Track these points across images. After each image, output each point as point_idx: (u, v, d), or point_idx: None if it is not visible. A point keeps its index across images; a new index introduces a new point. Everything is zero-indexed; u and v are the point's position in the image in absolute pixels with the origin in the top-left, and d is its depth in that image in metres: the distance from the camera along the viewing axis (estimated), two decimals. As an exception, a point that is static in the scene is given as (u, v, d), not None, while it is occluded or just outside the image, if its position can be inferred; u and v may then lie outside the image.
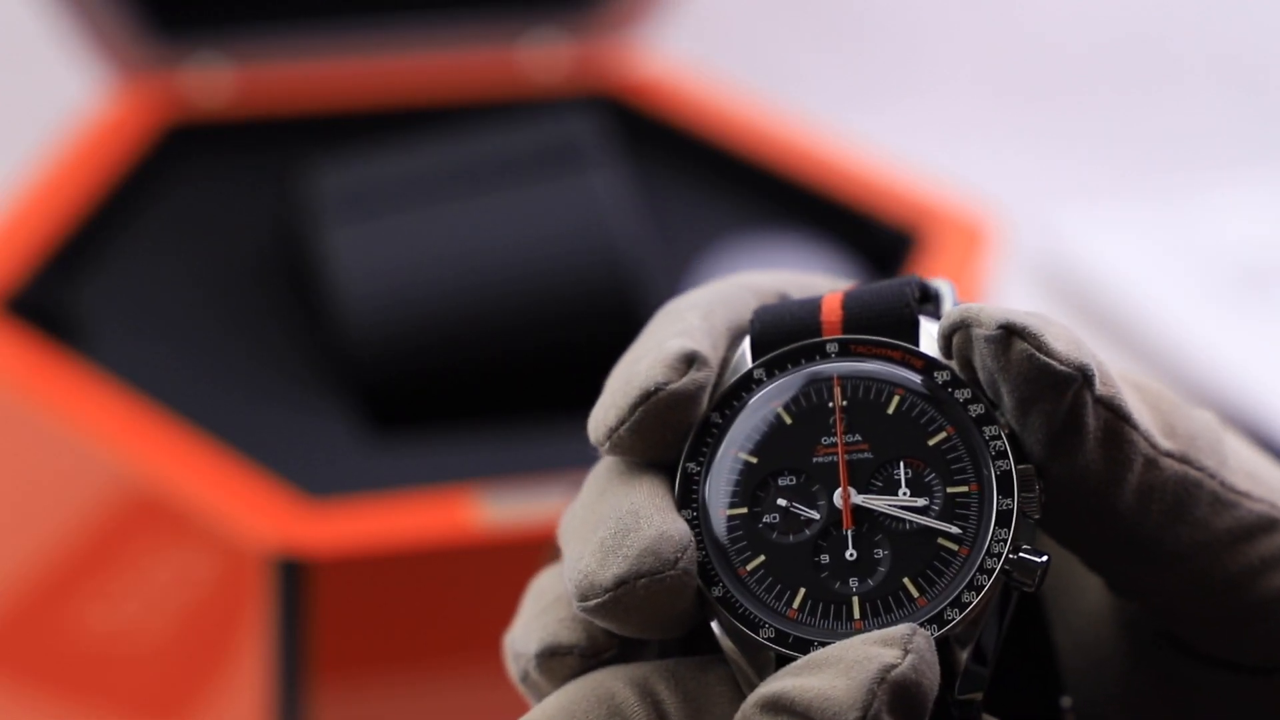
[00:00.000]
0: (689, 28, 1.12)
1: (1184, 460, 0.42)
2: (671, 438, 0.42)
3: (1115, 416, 0.41)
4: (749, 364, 0.43)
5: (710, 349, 0.43)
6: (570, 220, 0.86)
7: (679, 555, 0.41)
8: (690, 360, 0.42)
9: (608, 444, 0.42)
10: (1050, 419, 0.40)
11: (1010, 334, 0.40)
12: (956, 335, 0.41)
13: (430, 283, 0.84)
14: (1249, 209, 1.18)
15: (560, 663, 0.42)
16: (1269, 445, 1.04)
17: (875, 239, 0.90)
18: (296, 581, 0.74)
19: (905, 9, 1.26)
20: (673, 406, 0.42)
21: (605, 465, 0.43)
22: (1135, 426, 0.41)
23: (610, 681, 0.42)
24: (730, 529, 0.42)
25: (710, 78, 0.98)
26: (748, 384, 0.43)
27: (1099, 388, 0.41)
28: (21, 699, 0.83)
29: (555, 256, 0.85)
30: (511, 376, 0.84)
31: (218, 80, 0.93)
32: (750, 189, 0.94)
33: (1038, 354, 0.40)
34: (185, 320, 0.86)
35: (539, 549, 0.76)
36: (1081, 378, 0.40)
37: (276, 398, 0.82)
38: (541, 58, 0.96)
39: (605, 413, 0.42)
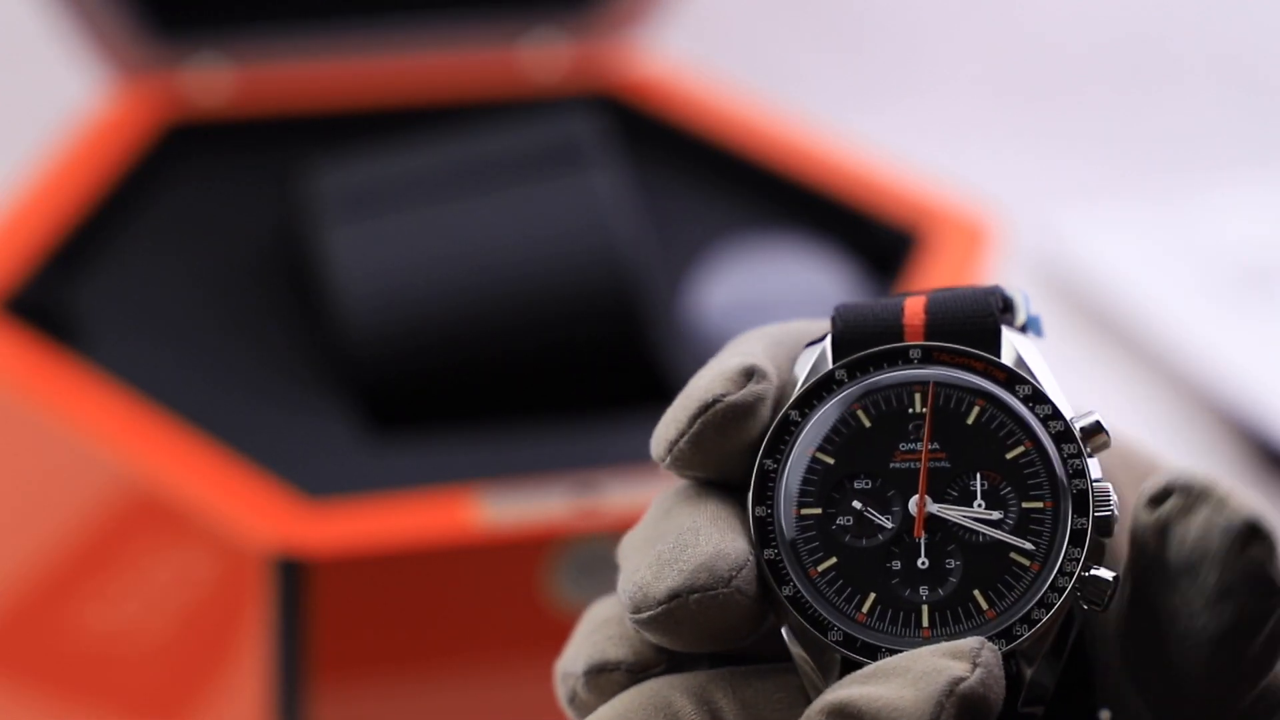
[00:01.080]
0: (689, 28, 1.12)
1: None
2: (731, 451, 0.42)
3: None
4: (829, 362, 0.43)
5: (769, 365, 0.43)
6: (570, 220, 0.86)
7: (734, 573, 0.41)
8: (749, 374, 0.42)
9: (668, 458, 0.42)
10: (1241, 614, 0.40)
11: (1254, 533, 0.40)
12: (1176, 498, 0.41)
13: (430, 283, 0.84)
14: (1249, 209, 1.18)
15: (608, 679, 0.42)
16: (1269, 445, 1.04)
17: (875, 239, 0.90)
18: (296, 581, 0.74)
19: (905, 9, 1.26)
20: (731, 418, 0.42)
21: (672, 489, 0.43)
22: None
23: (666, 690, 0.42)
24: (803, 528, 0.42)
25: (710, 78, 0.98)
26: (829, 384, 0.42)
27: None
28: (21, 699, 0.83)
29: (555, 256, 0.85)
30: (511, 376, 0.84)
31: (217, 80, 0.93)
32: (750, 189, 0.94)
33: (1268, 563, 0.40)
34: (185, 320, 0.86)
35: (538, 549, 0.76)
36: None
37: (276, 398, 0.82)
38: (541, 58, 0.96)
39: (665, 428, 0.43)
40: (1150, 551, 0.41)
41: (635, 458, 0.79)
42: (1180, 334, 1.09)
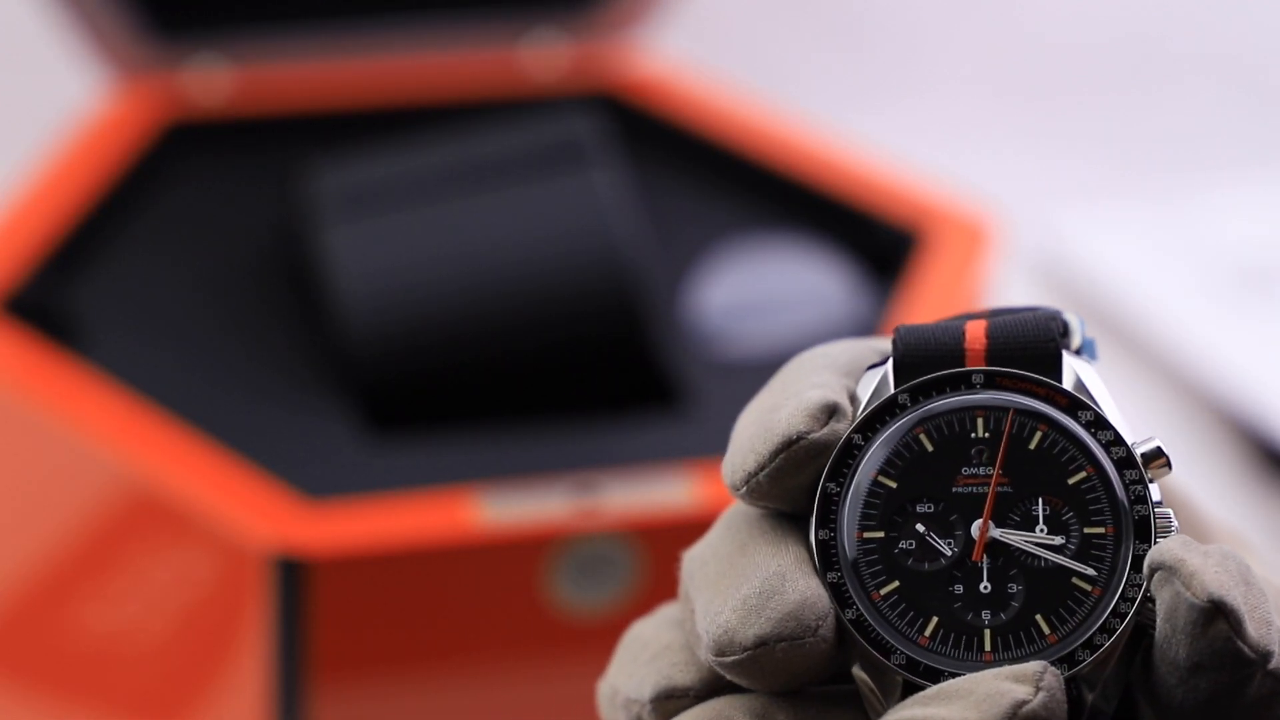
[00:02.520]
0: (689, 28, 1.12)
1: None
2: (805, 485, 0.42)
3: (1275, 689, 0.41)
4: (891, 386, 0.43)
5: (846, 400, 0.43)
6: (570, 220, 0.86)
7: (820, 623, 0.41)
8: (831, 411, 0.42)
9: (745, 489, 0.43)
10: (1217, 685, 0.41)
11: (1217, 612, 0.40)
12: (1158, 574, 0.41)
13: (430, 283, 0.84)
14: (1249, 209, 1.18)
15: (676, 705, 0.43)
16: (1269, 445, 1.04)
17: (875, 239, 0.90)
18: (296, 581, 0.74)
19: (905, 9, 1.26)
20: (812, 456, 0.42)
21: (741, 517, 0.44)
22: None
23: (729, 709, 0.42)
24: (865, 552, 0.42)
25: (710, 78, 0.98)
26: (891, 408, 0.43)
27: (1275, 662, 0.41)
28: (21, 699, 0.83)
29: (555, 256, 0.85)
30: (511, 376, 0.84)
31: (217, 80, 0.93)
32: (750, 189, 0.94)
33: (1234, 637, 0.40)
34: (185, 320, 0.86)
35: (538, 549, 0.76)
36: (1264, 660, 0.41)
37: (276, 398, 0.82)
38: (541, 58, 0.96)
39: (744, 458, 0.43)
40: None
41: (635, 458, 0.79)
42: (1180, 334, 1.09)
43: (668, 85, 0.96)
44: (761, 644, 0.41)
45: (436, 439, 0.81)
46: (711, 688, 0.43)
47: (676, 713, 0.43)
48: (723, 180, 0.94)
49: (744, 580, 0.42)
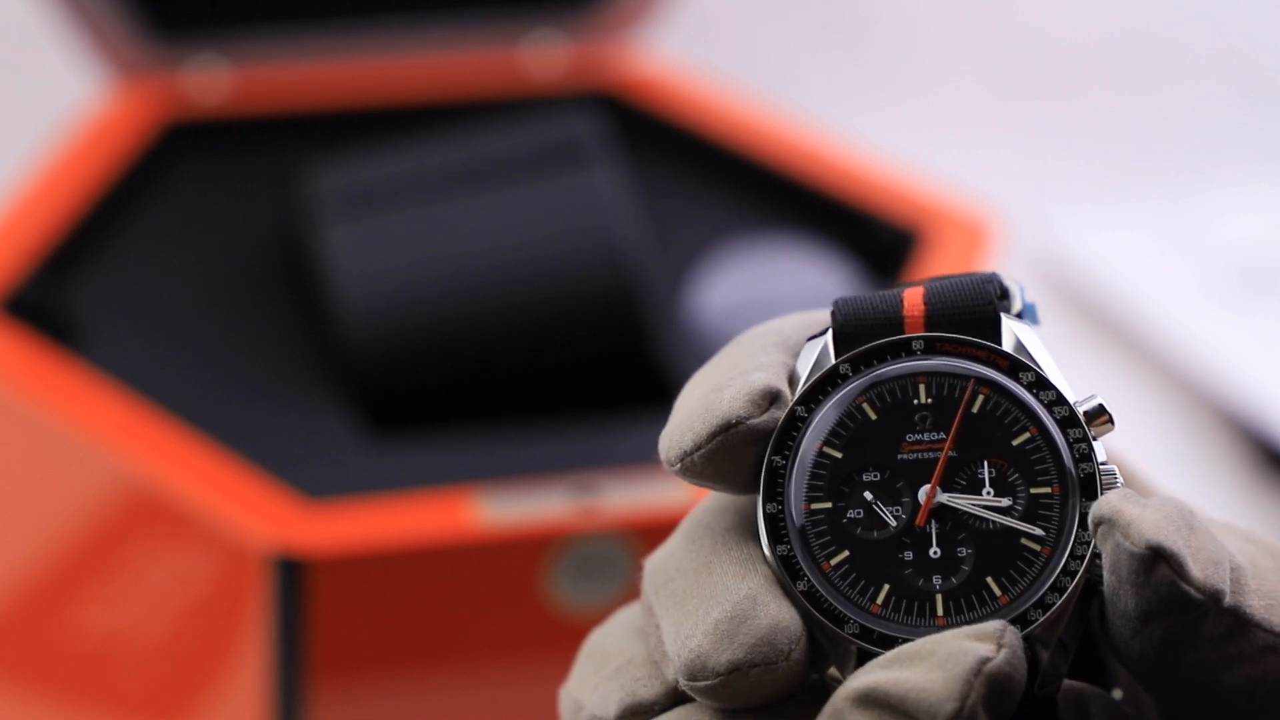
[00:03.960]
0: (689, 28, 1.12)
1: None
2: (740, 470, 0.42)
3: (1238, 621, 0.41)
4: (831, 357, 0.43)
5: (787, 386, 0.43)
6: (570, 220, 0.86)
7: (793, 647, 0.41)
8: (773, 398, 0.42)
9: (679, 465, 0.42)
10: (1170, 631, 0.41)
11: (1157, 557, 0.40)
12: (1101, 528, 0.41)
13: (430, 283, 0.84)
14: (1249, 209, 1.18)
15: (642, 719, 0.43)
16: (1269, 445, 1.04)
17: (876, 239, 0.90)
18: (296, 581, 0.74)
19: (905, 9, 1.26)
20: (749, 442, 0.42)
21: (704, 528, 0.43)
22: (1259, 625, 0.41)
23: (697, 716, 0.42)
24: (814, 523, 0.42)
25: (710, 78, 0.98)
26: (833, 379, 0.43)
27: (1226, 600, 0.41)
28: (21, 699, 0.83)
29: (555, 256, 0.85)
30: (511, 376, 0.84)
31: (217, 80, 0.93)
32: (750, 189, 0.94)
33: (1178, 580, 0.40)
34: (184, 320, 0.86)
35: (538, 549, 0.76)
36: (1214, 600, 0.41)
37: (276, 398, 0.82)
38: (541, 58, 0.96)
39: (681, 436, 0.43)
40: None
41: (635, 458, 0.79)
42: (1180, 334, 1.09)
43: (668, 85, 0.96)
44: (734, 670, 0.41)
45: (436, 439, 0.81)
46: (676, 700, 0.43)
47: None
48: (723, 180, 0.94)
49: (714, 603, 0.42)
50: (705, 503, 0.45)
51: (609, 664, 0.44)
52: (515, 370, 0.84)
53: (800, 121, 0.96)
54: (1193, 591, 0.40)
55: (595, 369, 0.84)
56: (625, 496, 0.77)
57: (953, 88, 1.24)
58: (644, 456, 0.79)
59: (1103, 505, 0.41)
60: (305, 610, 0.74)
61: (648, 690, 0.43)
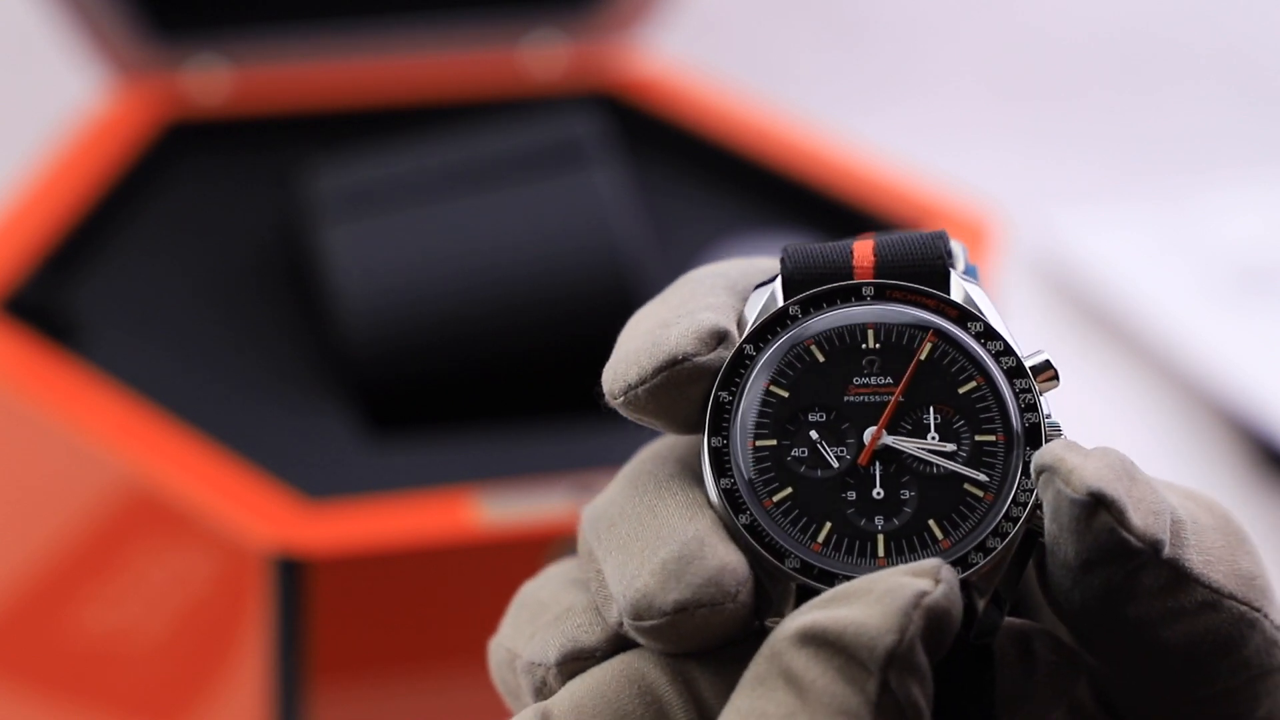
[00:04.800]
0: (689, 28, 1.12)
1: (1244, 601, 0.42)
2: (683, 407, 0.42)
3: (1176, 574, 0.41)
4: (779, 303, 0.43)
5: (734, 327, 0.43)
6: (571, 220, 0.86)
7: (739, 588, 0.41)
8: (721, 338, 0.42)
9: (622, 399, 0.43)
10: (1110, 580, 0.41)
11: (1098, 504, 0.40)
12: (1043, 476, 0.41)
13: (430, 282, 0.84)
14: (1249, 209, 1.18)
15: (582, 665, 0.43)
16: (1269, 445, 1.04)
17: (875, 239, 0.90)
18: (296, 581, 0.74)
19: (905, 9, 1.26)
20: (694, 379, 0.42)
21: (648, 475, 0.43)
22: (1198, 580, 0.42)
23: (638, 662, 0.42)
24: (759, 460, 0.42)
25: (710, 78, 0.98)
26: (782, 319, 0.43)
27: (1165, 551, 0.41)
28: (21, 699, 0.83)
29: (555, 256, 0.85)
30: (511, 376, 0.84)
31: (217, 80, 0.93)
32: (750, 189, 0.94)
33: (1118, 528, 0.40)
34: (184, 320, 0.86)
35: (538, 549, 0.76)
36: (1153, 549, 0.41)
37: (276, 398, 0.82)
38: (541, 58, 0.96)
39: (626, 368, 0.43)
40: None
41: (635, 458, 0.79)
42: (1180, 334, 1.09)
43: (668, 85, 0.96)
44: (681, 609, 0.41)
45: (436, 439, 0.81)
46: (618, 648, 0.42)
47: (582, 673, 0.42)
48: (723, 180, 0.94)
49: (660, 544, 0.41)
50: (646, 451, 0.45)
51: (545, 614, 0.44)
52: (515, 370, 0.84)
53: (800, 121, 0.96)
54: (1132, 539, 0.40)
55: (595, 369, 0.84)
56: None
57: (953, 88, 1.24)
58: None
59: (1045, 453, 0.41)
60: (305, 610, 0.74)
61: (589, 636, 0.43)
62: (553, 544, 0.76)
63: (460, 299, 0.84)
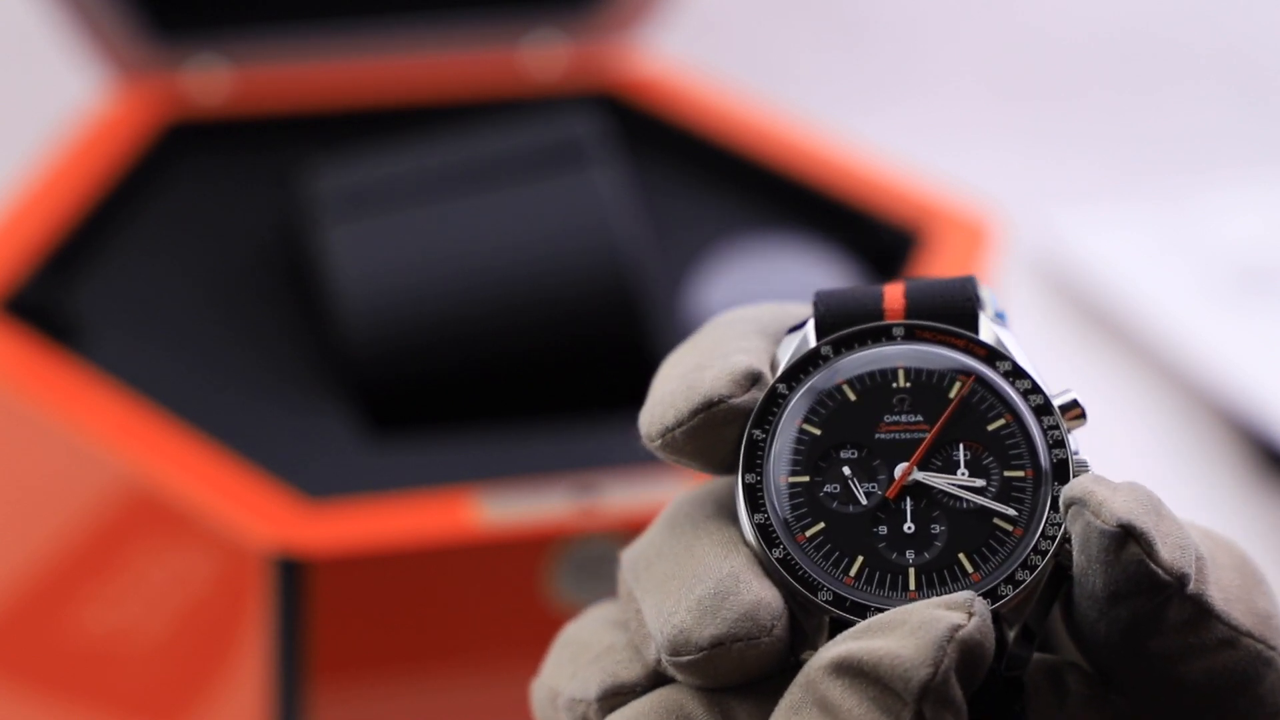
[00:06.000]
0: (689, 28, 1.12)
1: (1261, 640, 0.43)
2: (719, 448, 0.43)
3: (1199, 610, 0.42)
4: (812, 343, 0.44)
5: (768, 369, 0.44)
6: (571, 220, 0.86)
7: (775, 623, 0.42)
8: (754, 379, 0.43)
9: (660, 441, 0.44)
10: (1136, 612, 0.41)
11: (1128, 535, 0.41)
12: (1072, 508, 0.42)
13: (430, 283, 0.84)
14: (1249, 209, 1.18)
15: (622, 701, 0.43)
16: (1269, 445, 1.04)
17: (876, 239, 0.90)
18: (296, 581, 0.74)
19: (905, 9, 1.26)
20: (729, 420, 0.43)
21: (684, 517, 0.44)
22: (1219, 617, 0.42)
23: (677, 695, 0.42)
24: (792, 495, 0.43)
25: (710, 78, 0.98)
26: (814, 359, 0.44)
27: (1191, 586, 0.42)
28: (21, 699, 0.83)
29: (555, 256, 0.85)
30: (511, 376, 0.84)
31: (217, 80, 0.93)
32: (750, 189, 0.94)
33: (1147, 560, 0.41)
34: (184, 320, 0.86)
35: (538, 549, 0.76)
36: (1180, 584, 0.41)
37: (276, 398, 0.82)
38: (541, 58, 0.96)
39: (664, 412, 0.44)
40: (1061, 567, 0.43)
41: (635, 458, 0.79)
42: (1180, 334, 1.09)
43: (668, 85, 0.96)
44: (717, 644, 0.41)
45: (436, 439, 0.81)
46: (657, 684, 0.43)
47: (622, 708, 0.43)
48: (723, 180, 0.94)
49: (697, 581, 0.42)
50: (682, 496, 0.45)
51: (587, 653, 0.44)
52: (515, 370, 0.84)
53: (800, 121, 0.96)
54: (1160, 572, 0.41)
55: (595, 369, 0.84)
56: (625, 496, 0.77)
57: (953, 88, 1.24)
58: (644, 456, 0.79)
59: (1074, 486, 0.42)
60: (305, 610, 0.74)
61: (628, 672, 0.43)
62: (553, 544, 0.76)
63: (460, 299, 0.84)
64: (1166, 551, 0.41)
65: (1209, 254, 1.15)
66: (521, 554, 0.76)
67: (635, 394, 0.84)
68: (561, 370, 0.84)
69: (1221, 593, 0.43)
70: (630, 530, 0.76)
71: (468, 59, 0.96)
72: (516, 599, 0.77)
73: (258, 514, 0.75)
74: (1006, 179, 1.13)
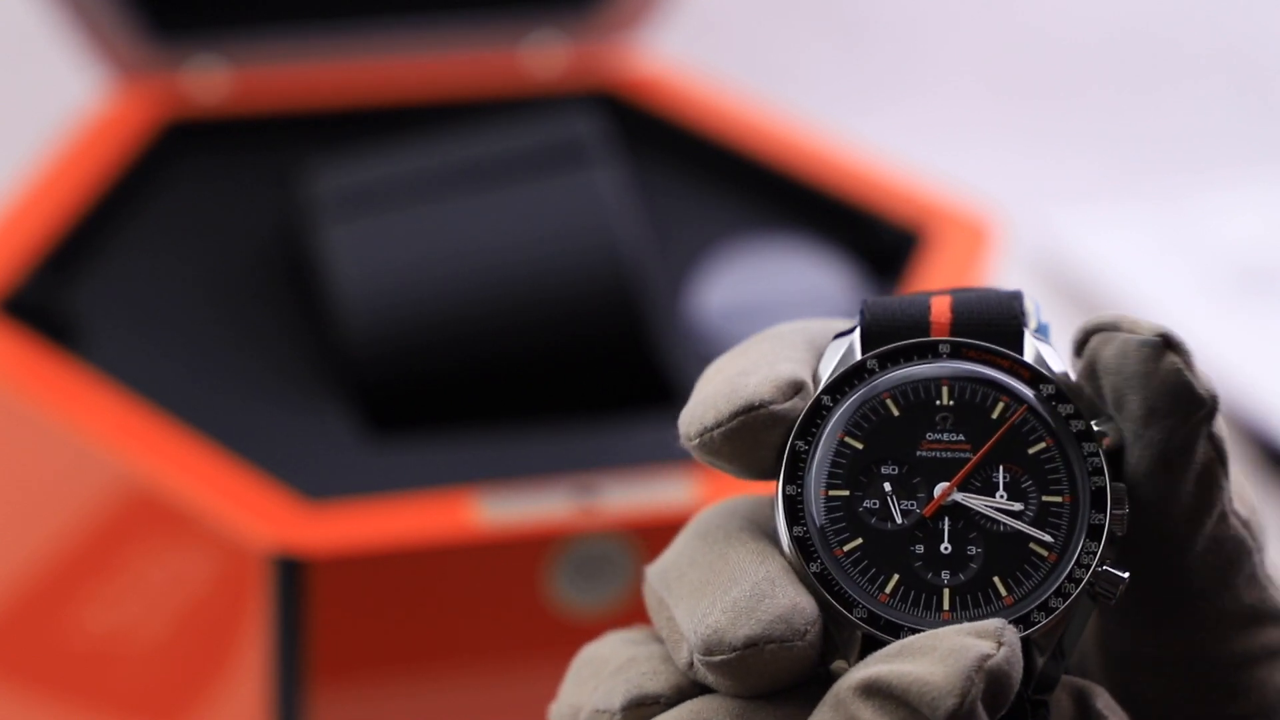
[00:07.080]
0: (689, 28, 1.12)
1: (1246, 525, 0.44)
2: (756, 453, 0.43)
3: (1217, 457, 0.43)
4: (857, 354, 0.44)
5: (811, 380, 0.44)
6: (571, 220, 0.85)
7: (809, 628, 0.42)
8: (798, 388, 0.43)
9: (698, 441, 0.44)
10: (1171, 435, 0.42)
11: (1166, 345, 0.42)
12: (1097, 336, 0.43)
13: (430, 282, 0.84)
14: (1249, 209, 1.18)
15: (648, 712, 0.43)
16: (1269, 445, 1.04)
17: (876, 239, 0.90)
18: (296, 581, 0.74)
19: (905, 9, 1.26)
20: (769, 426, 0.43)
21: (717, 528, 0.44)
22: (1227, 475, 0.43)
23: (707, 707, 0.42)
24: (830, 509, 0.43)
25: (710, 78, 0.98)
26: (860, 372, 0.44)
27: (1217, 423, 0.42)
28: (21, 699, 0.83)
29: (556, 256, 0.85)
30: (511, 376, 0.84)
31: (216, 80, 0.93)
32: (750, 189, 0.94)
33: (1185, 370, 0.42)
34: (184, 320, 0.86)
35: (538, 549, 0.76)
36: (1212, 405, 0.42)
37: (276, 398, 0.82)
38: (541, 58, 0.96)
39: (704, 411, 0.44)
40: (1086, 398, 0.43)
41: (635, 458, 0.79)
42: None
43: (668, 85, 0.96)
44: (751, 644, 0.41)
45: (436, 439, 0.81)
46: (683, 695, 0.43)
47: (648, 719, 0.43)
48: (723, 180, 0.94)
49: (733, 583, 0.42)
50: (709, 509, 0.45)
51: (609, 666, 0.44)
52: (515, 370, 0.84)
53: (800, 121, 0.96)
54: (1197, 385, 0.42)
55: (595, 369, 0.84)
56: (625, 497, 0.77)
57: (953, 88, 1.24)
58: (644, 456, 0.79)
59: (1098, 316, 0.43)
60: (305, 610, 0.74)
61: (654, 683, 0.43)
62: (553, 544, 0.76)
63: (460, 299, 0.84)
64: (1202, 371, 0.42)
65: (1209, 254, 1.15)
66: (521, 554, 0.76)
67: (635, 394, 0.84)
68: (561, 370, 0.84)
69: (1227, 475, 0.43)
70: (630, 530, 0.76)
71: (468, 59, 0.96)
72: (516, 599, 0.77)
73: (257, 514, 0.75)
74: (1006, 179, 1.13)
